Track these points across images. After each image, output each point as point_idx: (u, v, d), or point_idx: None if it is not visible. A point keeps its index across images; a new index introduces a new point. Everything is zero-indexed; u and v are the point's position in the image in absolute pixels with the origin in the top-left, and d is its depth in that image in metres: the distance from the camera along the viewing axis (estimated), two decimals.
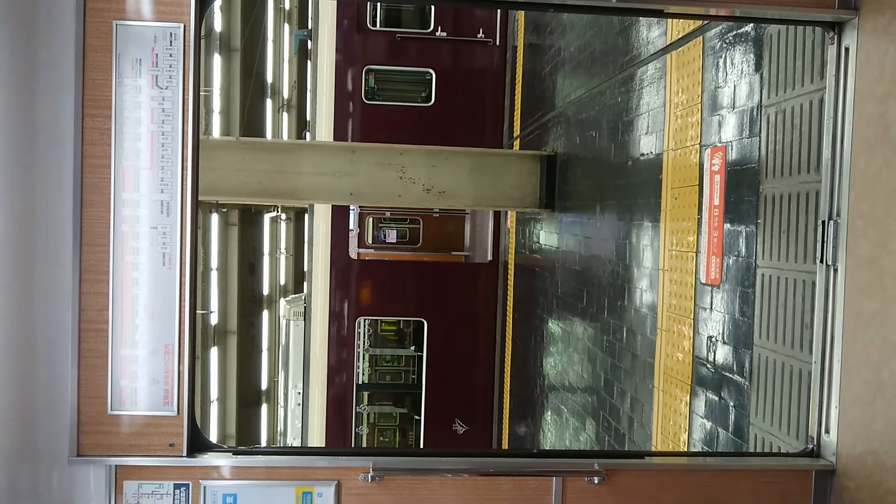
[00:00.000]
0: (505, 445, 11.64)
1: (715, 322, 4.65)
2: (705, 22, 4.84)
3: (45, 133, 2.64)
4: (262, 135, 22.42)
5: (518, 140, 11.33)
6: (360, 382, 15.80)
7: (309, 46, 13.30)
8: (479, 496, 2.89)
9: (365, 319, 15.04)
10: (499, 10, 11.80)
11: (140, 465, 2.76)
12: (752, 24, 4.31)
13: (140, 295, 2.72)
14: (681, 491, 2.94)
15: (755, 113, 4.27)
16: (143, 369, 2.74)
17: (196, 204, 2.74)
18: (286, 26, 23.60)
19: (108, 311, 2.71)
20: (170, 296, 2.73)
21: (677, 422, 5.14)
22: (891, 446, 2.63)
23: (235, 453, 2.86)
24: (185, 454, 2.77)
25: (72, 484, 2.75)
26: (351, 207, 13.20)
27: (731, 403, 4.42)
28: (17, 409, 2.63)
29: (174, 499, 2.78)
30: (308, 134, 13.72)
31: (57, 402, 2.70)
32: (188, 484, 2.79)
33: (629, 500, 2.92)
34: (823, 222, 2.99)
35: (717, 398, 4.60)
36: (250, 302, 22.75)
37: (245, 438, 22.45)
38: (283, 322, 19.20)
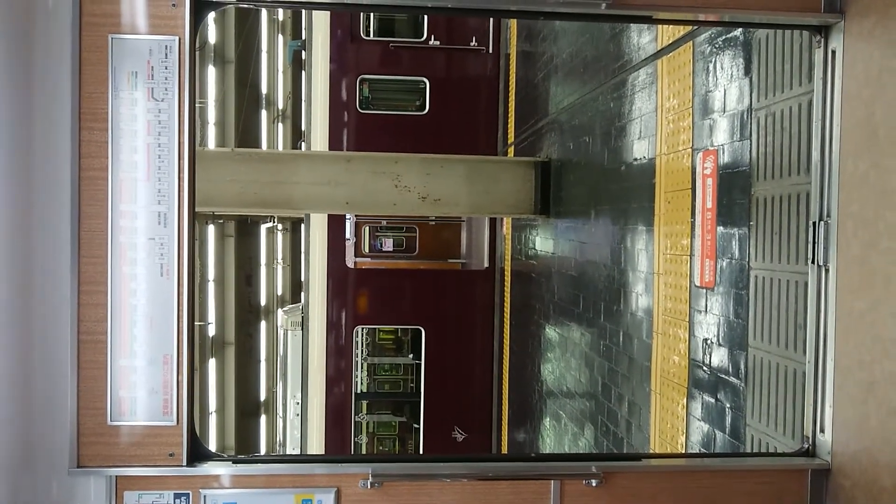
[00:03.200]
0: (504, 452, 11.64)
1: (710, 324, 4.68)
2: (694, 27, 4.89)
3: (42, 146, 2.67)
4: (258, 146, 22.45)
5: (512, 147, 11.38)
6: (359, 391, 15.78)
7: (303, 57, 13.35)
8: (478, 501, 2.90)
9: (363, 328, 15.04)
10: (491, 19, 11.87)
11: (140, 476, 2.77)
12: (740, 29, 4.36)
13: (138, 306, 2.74)
14: (678, 492, 2.96)
15: (745, 116, 4.31)
16: (142, 380, 2.76)
17: (193, 214, 2.76)
18: (280, 37, 23.67)
19: (107, 322, 2.73)
20: (168, 306, 2.75)
21: (675, 425, 5.16)
22: (884, 444, 2.65)
23: (235, 462, 2.87)
24: (184, 463, 2.79)
25: (72, 495, 2.76)
26: (347, 217, 13.22)
27: (727, 405, 4.44)
28: (17, 421, 2.64)
29: None
30: (303, 144, 13.75)
31: (56, 413, 2.72)
32: (188, 493, 2.80)
33: (627, 502, 2.94)
34: (814, 223, 3.03)
35: (713, 400, 4.62)
36: (248, 313, 22.73)
37: (244, 450, 22.38)
38: (280, 332, 19.18)
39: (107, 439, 2.75)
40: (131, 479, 2.77)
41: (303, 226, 13.26)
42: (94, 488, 2.76)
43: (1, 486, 2.57)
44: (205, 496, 2.79)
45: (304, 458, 3.11)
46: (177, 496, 2.79)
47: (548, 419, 8.86)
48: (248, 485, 2.83)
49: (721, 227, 4.56)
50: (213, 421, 21.05)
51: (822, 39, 3.00)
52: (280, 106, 23.96)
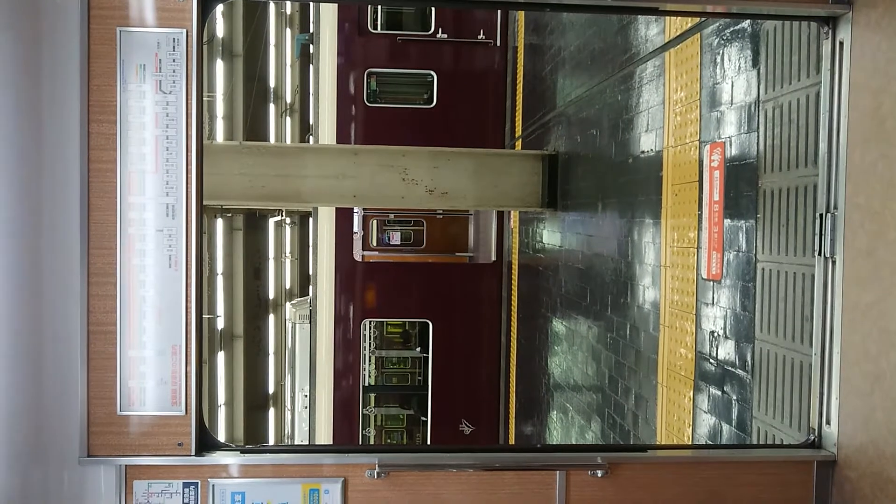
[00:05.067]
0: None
1: (717, 317, 4.68)
2: (702, 19, 4.87)
3: (51, 138, 2.69)
4: (266, 139, 22.49)
5: (520, 140, 11.36)
6: (367, 384, 15.83)
7: (311, 50, 13.35)
8: (483, 491, 2.92)
9: (370, 321, 15.08)
10: (499, 11, 11.84)
11: (149, 465, 2.80)
12: (748, 21, 4.34)
13: (147, 297, 2.76)
14: (683, 483, 2.96)
15: (753, 108, 4.30)
16: (151, 370, 2.78)
17: (201, 206, 2.78)
18: (288, 31, 23.67)
19: (116, 314, 2.75)
20: (176, 297, 2.77)
21: (681, 417, 5.17)
22: (890, 436, 2.65)
23: (243, 452, 2.90)
24: (193, 453, 2.81)
25: (82, 484, 2.79)
26: (355, 210, 13.25)
27: (734, 397, 4.44)
28: (27, 411, 2.67)
29: (183, 497, 2.82)
30: (311, 137, 13.77)
31: (67, 403, 2.75)
32: (197, 482, 2.83)
33: (632, 493, 2.94)
34: (821, 215, 3.02)
35: (719, 392, 4.62)
36: (256, 306, 22.82)
37: (253, 442, 22.49)
38: (289, 325, 19.26)
39: (116, 429, 2.78)
40: (141, 468, 2.80)
41: (311, 219, 13.30)
42: (104, 477, 2.79)
43: (13, 475, 2.60)
44: (213, 485, 2.82)
45: (311, 449, 3.13)
46: (186, 485, 2.82)
47: (555, 412, 8.87)
48: (256, 474, 2.86)
49: (728, 220, 4.55)
50: (222, 414, 21.17)
51: (830, 31, 2.99)
52: (288, 100, 23.98)
